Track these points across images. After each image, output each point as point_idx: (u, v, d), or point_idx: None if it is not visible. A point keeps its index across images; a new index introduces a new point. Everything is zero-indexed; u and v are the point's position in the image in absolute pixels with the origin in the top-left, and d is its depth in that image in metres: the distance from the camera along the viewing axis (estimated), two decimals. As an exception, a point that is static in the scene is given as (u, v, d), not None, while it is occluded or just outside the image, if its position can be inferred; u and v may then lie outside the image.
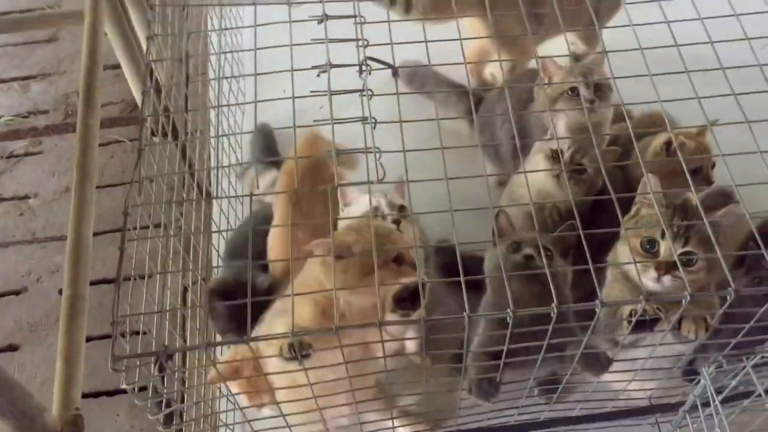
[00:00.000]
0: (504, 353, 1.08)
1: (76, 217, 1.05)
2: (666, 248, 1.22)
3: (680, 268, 1.07)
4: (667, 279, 1.20)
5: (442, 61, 1.35)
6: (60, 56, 2.43)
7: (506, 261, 1.32)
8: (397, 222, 1.43)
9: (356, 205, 1.50)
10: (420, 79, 1.91)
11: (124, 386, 1.02)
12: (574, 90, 1.55)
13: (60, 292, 1.98)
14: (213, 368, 1.16)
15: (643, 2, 1.34)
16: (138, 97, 1.54)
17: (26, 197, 2.16)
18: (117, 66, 1.60)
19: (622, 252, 1.28)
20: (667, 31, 1.27)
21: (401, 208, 1.46)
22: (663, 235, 1.23)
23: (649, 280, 1.20)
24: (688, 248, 1.22)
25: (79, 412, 0.90)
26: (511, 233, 1.44)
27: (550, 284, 0.98)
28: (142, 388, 1.06)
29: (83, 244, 1.04)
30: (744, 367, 1.05)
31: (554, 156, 1.46)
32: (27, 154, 2.24)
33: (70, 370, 0.93)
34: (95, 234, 1.97)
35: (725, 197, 1.47)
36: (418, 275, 1.14)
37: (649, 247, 1.24)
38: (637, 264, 1.21)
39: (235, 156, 1.82)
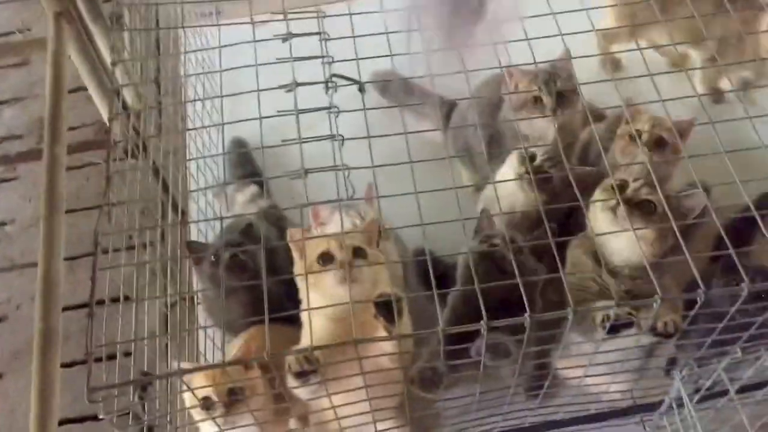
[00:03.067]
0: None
1: (46, 250, 1.05)
2: (634, 187, 1.29)
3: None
4: (621, 210, 1.26)
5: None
6: (32, 80, 2.42)
7: (475, 253, 1.34)
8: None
9: (331, 225, 1.49)
10: (392, 88, 1.91)
11: (101, 417, 1.02)
12: (537, 99, 1.55)
13: (41, 318, 1.99)
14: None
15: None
16: (107, 120, 1.53)
17: (2, 224, 2.15)
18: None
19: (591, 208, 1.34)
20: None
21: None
22: (635, 181, 1.31)
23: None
24: (652, 197, 1.27)
25: (55, 447, 0.90)
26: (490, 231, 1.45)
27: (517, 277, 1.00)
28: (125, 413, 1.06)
29: (53, 277, 1.03)
30: (715, 369, 1.06)
31: (522, 161, 1.47)
32: (2, 180, 2.22)
33: (45, 403, 0.92)
34: (74, 258, 1.97)
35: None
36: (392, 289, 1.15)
37: (619, 189, 1.30)
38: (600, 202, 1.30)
39: (211, 174, 1.82)
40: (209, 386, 1.20)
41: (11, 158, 2.23)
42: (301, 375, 1.10)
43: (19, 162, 2.23)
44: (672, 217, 1.11)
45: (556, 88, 1.53)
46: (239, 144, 1.90)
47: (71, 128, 2.29)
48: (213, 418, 1.19)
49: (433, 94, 1.89)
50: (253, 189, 1.84)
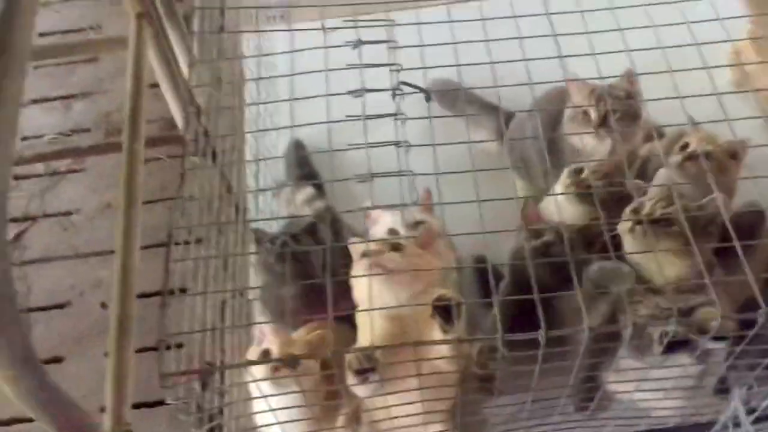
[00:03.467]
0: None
1: (124, 239, 1.10)
2: (649, 205, 1.32)
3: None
4: (638, 228, 1.28)
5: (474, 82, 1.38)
6: (100, 76, 2.51)
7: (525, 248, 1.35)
8: (418, 223, 1.46)
9: (379, 225, 1.54)
10: (450, 96, 1.94)
11: (169, 402, 1.07)
12: (586, 113, 1.56)
13: (102, 305, 2.06)
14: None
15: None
16: (179, 119, 1.59)
17: (69, 213, 2.23)
18: (154, 85, 1.65)
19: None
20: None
21: (417, 225, 1.49)
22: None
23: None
24: (669, 210, 1.28)
25: (129, 428, 0.94)
26: (538, 224, 1.46)
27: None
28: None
29: (130, 265, 1.08)
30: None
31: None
32: (69, 172, 2.31)
33: (120, 387, 0.96)
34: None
35: (756, 215, 1.48)
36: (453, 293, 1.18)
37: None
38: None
39: (270, 175, 1.88)
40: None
41: (79, 151, 2.31)
42: (361, 373, 1.13)
43: (86, 155, 2.32)
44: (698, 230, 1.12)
45: (609, 106, 1.52)
46: (298, 146, 1.96)
47: (133, 125, 2.37)
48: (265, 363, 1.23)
49: (491, 104, 1.91)
50: (310, 190, 1.89)
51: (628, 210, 1.37)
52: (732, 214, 1.22)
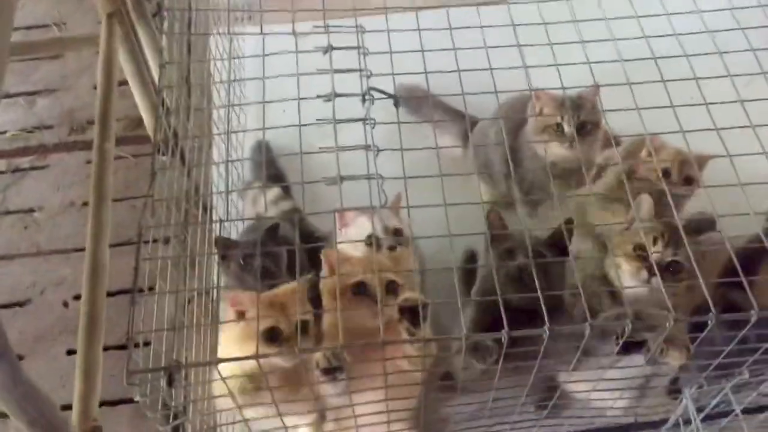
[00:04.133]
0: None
1: (94, 238, 1.11)
2: (658, 255, 1.34)
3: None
4: (655, 280, 1.30)
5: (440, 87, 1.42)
6: (65, 73, 2.48)
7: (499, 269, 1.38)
8: (392, 248, 1.49)
9: (353, 227, 1.56)
10: (416, 101, 1.97)
11: (137, 399, 1.07)
12: (558, 125, 1.61)
13: (64, 304, 2.04)
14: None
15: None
16: (147, 119, 1.59)
17: (31, 211, 2.20)
18: (121, 83, 1.65)
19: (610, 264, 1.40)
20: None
21: (396, 232, 1.52)
22: (655, 242, 1.35)
23: (638, 280, 1.33)
24: (677, 258, 1.32)
25: (98, 424, 0.95)
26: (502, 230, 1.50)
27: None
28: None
29: (100, 264, 1.09)
30: (723, 388, 1.12)
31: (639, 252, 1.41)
32: (32, 168, 2.28)
33: (89, 383, 0.98)
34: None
35: (708, 223, 1.54)
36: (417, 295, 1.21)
37: (640, 252, 1.36)
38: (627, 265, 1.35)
39: (237, 175, 1.89)
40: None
41: (42, 148, 2.29)
42: (329, 372, 1.15)
43: (49, 152, 2.29)
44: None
45: (579, 119, 1.58)
46: (264, 147, 1.97)
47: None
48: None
49: (456, 110, 1.95)
50: (276, 191, 1.90)
51: (629, 248, 1.40)
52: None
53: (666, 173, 1.59)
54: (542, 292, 1.06)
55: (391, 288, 1.30)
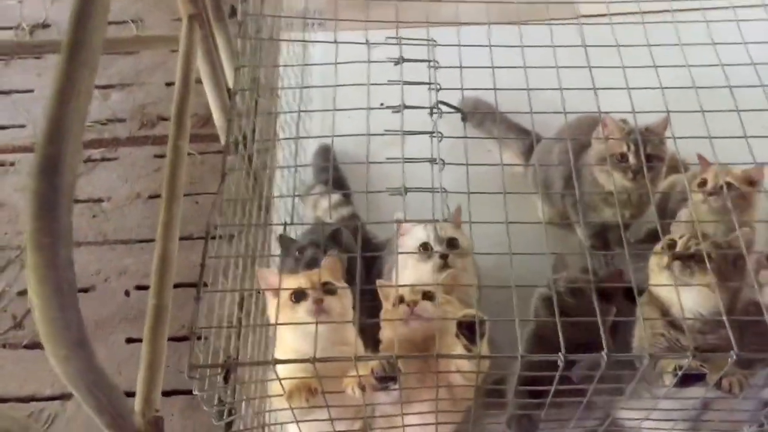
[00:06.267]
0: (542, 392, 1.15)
1: (164, 232, 1.14)
2: (682, 242, 1.33)
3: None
4: (676, 264, 1.30)
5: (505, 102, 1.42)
6: (139, 68, 2.57)
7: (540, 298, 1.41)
8: (444, 256, 1.50)
9: (409, 236, 1.57)
10: (480, 115, 1.97)
11: (196, 393, 1.10)
12: (623, 156, 1.59)
13: (126, 293, 2.10)
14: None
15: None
16: (218, 120, 1.64)
17: (100, 200, 2.28)
18: (191, 82, 1.69)
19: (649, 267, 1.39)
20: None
21: (450, 242, 1.53)
22: (681, 237, 1.34)
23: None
24: (701, 246, 1.29)
25: (159, 414, 0.98)
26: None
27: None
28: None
29: (169, 258, 1.13)
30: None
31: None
32: (103, 160, 2.37)
33: (153, 374, 1.01)
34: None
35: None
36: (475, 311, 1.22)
37: (668, 247, 1.35)
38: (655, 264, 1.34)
39: (299, 179, 1.92)
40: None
41: (114, 140, 2.37)
42: (383, 380, 1.16)
43: (120, 145, 2.37)
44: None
45: (645, 151, 1.55)
46: (327, 151, 2.00)
47: (165, 119, 2.43)
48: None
49: (519, 126, 1.95)
50: (336, 196, 1.93)
51: (659, 247, 1.39)
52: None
53: (623, 156, 1.58)
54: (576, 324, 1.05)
55: (428, 296, 1.32)
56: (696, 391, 1.23)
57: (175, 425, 1.85)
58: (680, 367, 1.15)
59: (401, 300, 1.32)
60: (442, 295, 1.33)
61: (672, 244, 1.36)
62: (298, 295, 1.24)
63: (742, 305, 1.35)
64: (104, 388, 0.85)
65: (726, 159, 1.45)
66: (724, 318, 1.09)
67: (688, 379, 1.18)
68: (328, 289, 1.25)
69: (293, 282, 1.27)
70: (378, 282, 1.40)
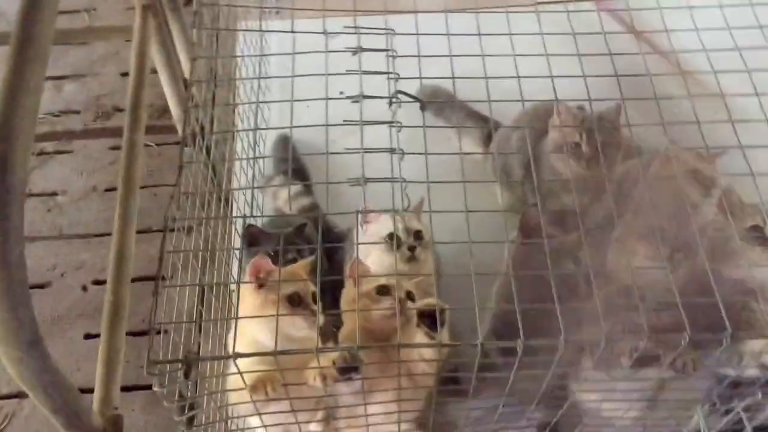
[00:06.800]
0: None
1: (121, 226, 1.13)
2: None
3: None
4: None
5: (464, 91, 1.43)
6: (93, 58, 2.51)
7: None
8: (411, 248, 1.50)
9: (375, 225, 1.57)
10: (439, 103, 1.98)
11: (156, 389, 1.09)
12: (577, 145, 1.61)
13: (83, 288, 2.07)
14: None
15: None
16: (175, 111, 1.61)
17: (54, 194, 2.24)
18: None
19: None
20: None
21: (417, 234, 1.53)
22: None
23: None
24: None
25: (118, 412, 0.97)
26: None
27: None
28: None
29: (126, 252, 1.11)
30: (735, 408, 1.12)
31: None
32: (57, 152, 2.31)
33: (110, 371, 1.00)
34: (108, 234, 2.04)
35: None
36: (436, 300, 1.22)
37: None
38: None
39: (259, 170, 1.90)
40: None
41: (68, 133, 2.32)
42: (345, 371, 1.16)
43: (75, 137, 2.32)
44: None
45: (598, 139, 1.57)
46: (286, 141, 1.98)
47: (121, 110, 2.39)
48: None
49: (478, 114, 1.96)
50: (296, 187, 1.92)
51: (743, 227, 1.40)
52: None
53: (577, 145, 1.60)
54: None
55: (410, 297, 1.32)
56: (652, 372, 1.26)
57: (137, 421, 1.83)
58: (636, 349, 1.18)
59: (385, 291, 1.32)
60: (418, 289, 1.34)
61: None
62: (293, 300, 1.24)
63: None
64: (60, 388, 0.84)
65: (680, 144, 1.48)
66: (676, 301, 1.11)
67: (643, 360, 1.21)
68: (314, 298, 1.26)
69: (290, 284, 1.26)
70: (350, 261, 1.38)
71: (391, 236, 1.51)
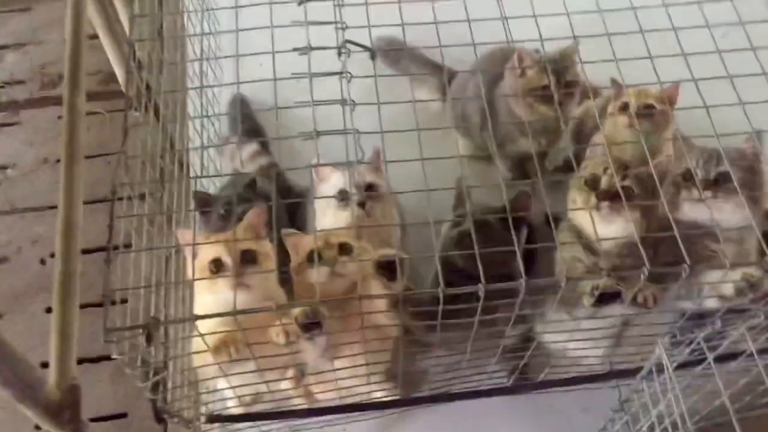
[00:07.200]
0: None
1: (66, 196, 1.09)
2: (606, 180, 1.35)
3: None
4: (604, 206, 1.33)
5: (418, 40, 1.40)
6: (34, 26, 2.42)
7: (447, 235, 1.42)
8: (361, 204, 1.48)
9: (326, 184, 1.55)
10: (394, 54, 1.94)
11: (114, 357, 1.07)
12: (546, 87, 1.59)
13: (42, 261, 2.03)
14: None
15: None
16: (119, 74, 1.56)
17: (4, 168, 2.18)
18: (93, 37, 1.61)
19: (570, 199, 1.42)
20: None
21: (369, 187, 1.51)
22: (605, 171, 1.36)
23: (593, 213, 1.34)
24: (626, 183, 1.34)
25: (76, 382, 0.95)
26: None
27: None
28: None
29: (73, 221, 1.08)
30: (696, 339, 1.14)
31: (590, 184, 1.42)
32: (4, 125, 2.24)
33: (65, 342, 0.97)
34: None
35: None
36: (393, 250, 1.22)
37: (592, 184, 1.38)
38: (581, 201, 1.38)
39: (214, 130, 1.86)
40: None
41: (13, 104, 2.25)
42: (308, 328, 1.15)
43: (21, 108, 2.25)
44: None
45: (565, 79, 1.57)
46: (242, 101, 1.94)
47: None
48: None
49: (434, 62, 1.93)
50: (254, 146, 1.88)
51: (580, 182, 1.41)
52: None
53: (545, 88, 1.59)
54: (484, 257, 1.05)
55: (345, 249, 1.30)
56: (614, 309, 1.27)
57: (106, 391, 1.82)
58: (597, 287, 1.18)
59: (313, 258, 1.30)
60: (359, 245, 1.32)
61: (595, 180, 1.37)
62: (217, 265, 1.21)
63: (657, 222, 1.39)
64: (7, 360, 0.82)
65: (633, 81, 1.47)
66: (637, 240, 1.12)
67: (605, 298, 1.21)
68: (248, 258, 1.22)
69: (211, 250, 1.23)
70: (283, 232, 1.36)
71: (341, 193, 1.49)
